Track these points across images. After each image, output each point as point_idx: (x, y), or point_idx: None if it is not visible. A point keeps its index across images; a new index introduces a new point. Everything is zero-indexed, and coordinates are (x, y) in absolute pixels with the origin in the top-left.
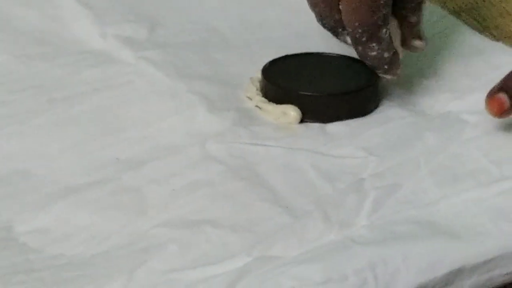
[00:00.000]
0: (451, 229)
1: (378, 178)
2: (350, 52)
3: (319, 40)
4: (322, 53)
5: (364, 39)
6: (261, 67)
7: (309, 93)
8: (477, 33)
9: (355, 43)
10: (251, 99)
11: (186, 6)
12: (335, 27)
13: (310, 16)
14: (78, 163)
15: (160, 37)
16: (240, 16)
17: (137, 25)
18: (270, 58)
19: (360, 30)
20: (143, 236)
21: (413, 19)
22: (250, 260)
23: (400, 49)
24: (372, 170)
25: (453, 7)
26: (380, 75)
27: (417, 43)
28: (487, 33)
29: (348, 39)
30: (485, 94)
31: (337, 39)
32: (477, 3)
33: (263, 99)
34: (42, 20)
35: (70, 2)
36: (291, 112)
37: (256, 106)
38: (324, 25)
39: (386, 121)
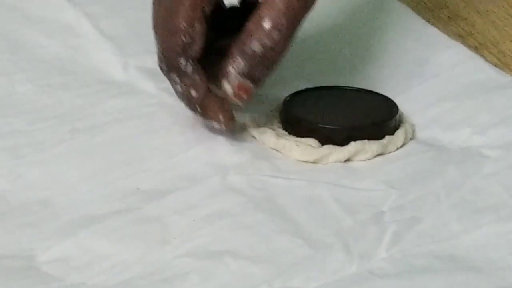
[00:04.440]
0: (472, 263)
1: (398, 211)
2: (370, 85)
3: (339, 74)
4: (343, 86)
5: (165, 68)
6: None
7: (329, 126)
8: (497, 68)
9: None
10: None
11: None
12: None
13: (329, 49)
14: (99, 192)
15: None
16: None
17: None
18: (291, 91)
19: (161, 55)
20: (165, 266)
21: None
22: None
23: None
24: (392, 203)
25: (473, 43)
26: (208, 121)
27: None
28: (506, 69)
29: None
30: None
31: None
32: (496, 39)
33: (284, 132)
34: (64, 50)
35: (92, 32)
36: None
37: None
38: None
39: (407, 154)
